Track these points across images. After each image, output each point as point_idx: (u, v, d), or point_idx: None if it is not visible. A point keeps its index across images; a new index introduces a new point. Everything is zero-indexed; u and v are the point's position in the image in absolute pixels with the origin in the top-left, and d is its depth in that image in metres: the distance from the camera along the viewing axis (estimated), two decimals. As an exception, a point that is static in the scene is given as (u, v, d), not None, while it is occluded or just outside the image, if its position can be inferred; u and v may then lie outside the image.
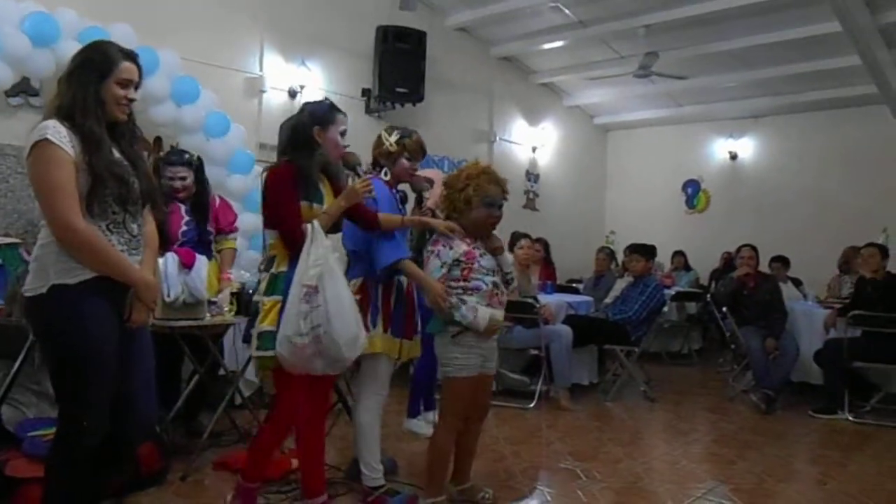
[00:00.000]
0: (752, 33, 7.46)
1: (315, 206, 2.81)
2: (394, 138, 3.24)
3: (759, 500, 3.50)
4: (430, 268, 2.98)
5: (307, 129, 2.83)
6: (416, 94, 7.22)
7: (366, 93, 7.18)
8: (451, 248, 2.98)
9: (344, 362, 2.74)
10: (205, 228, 4.02)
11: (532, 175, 9.71)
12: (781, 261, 7.73)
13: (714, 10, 6.97)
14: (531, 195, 9.67)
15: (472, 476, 3.33)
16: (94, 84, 2.17)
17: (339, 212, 2.85)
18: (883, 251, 5.64)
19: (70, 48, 3.83)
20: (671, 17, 7.24)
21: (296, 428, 2.86)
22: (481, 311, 2.93)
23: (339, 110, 2.93)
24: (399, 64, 7.09)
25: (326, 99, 2.98)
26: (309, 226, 2.68)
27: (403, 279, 3.19)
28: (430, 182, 4.29)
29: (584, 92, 9.96)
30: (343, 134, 2.91)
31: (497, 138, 9.09)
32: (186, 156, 4.05)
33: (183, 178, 3.94)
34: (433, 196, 4.13)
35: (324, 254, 2.65)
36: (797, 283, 7.77)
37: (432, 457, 3.07)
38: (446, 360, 3.00)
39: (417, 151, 3.28)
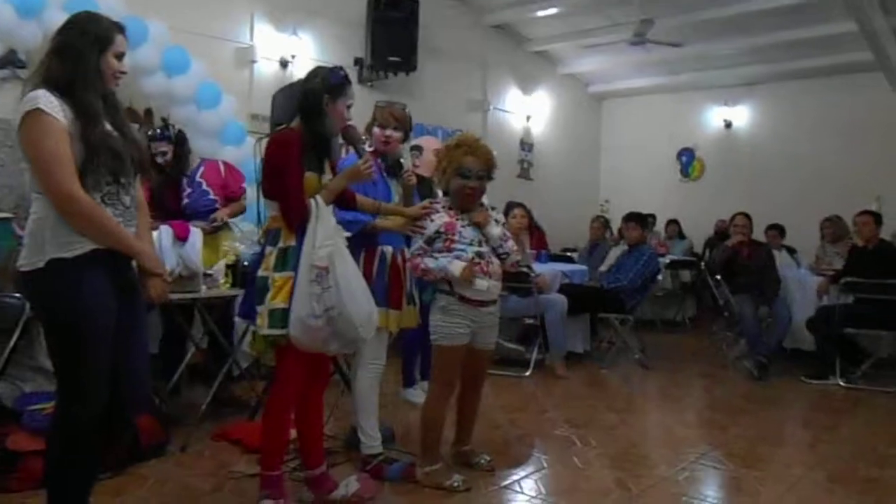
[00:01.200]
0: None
1: (323, 178, 2.74)
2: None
3: (751, 464, 3.55)
4: (413, 241, 3.09)
5: (319, 96, 2.70)
6: (408, 64, 7.15)
7: (358, 62, 7.11)
8: (432, 220, 3.05)
9: (360, 342, 2.73)
10: (173, 200, 4.11)
11: (526, 144, 9.67)
12: (777, 229, 7.75)
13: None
14: (525, 164, 9.65)
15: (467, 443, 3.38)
16: (94, 56, 2.16)
17: (340, 189, 2.79)
18: (877, 218, 5.66)
19: (57, 18, 3.77)
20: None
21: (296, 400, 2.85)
22: (455, 263, 2.98)
23: (349, 82, 2.83)
24: (391, 32, 7.01)
25: (341, 68, 2.83)
26: (312, 201, 2.61)
27: (387, 249, 3.19)
28: (419, 149, 4.29)
29: (579, 60, 9.88)
30: (349, 107, 2.82)
31: (491, 107, 9.04)
32: (166, 131, 4.17)
33: (164, 153, 4.08)
34: (423, 163, 4.14)
35: (333, 233, 2.61)
36: (791, 251, 7.81)
37: (423, 424, 3.14)
38: (433, 328, 3.07)
39: (387, 119, 3.26)
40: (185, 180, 4.13)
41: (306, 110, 2.72)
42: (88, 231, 2.12)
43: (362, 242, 3.09)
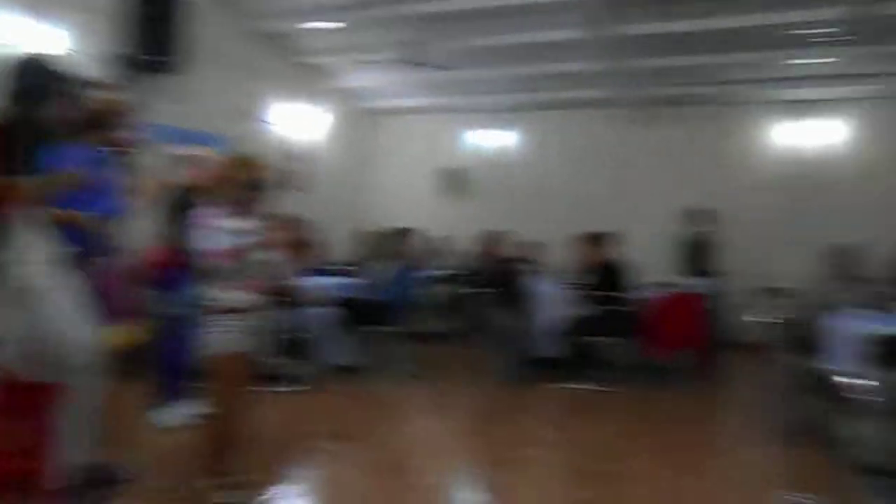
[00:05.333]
0: (513, 31, 7.93)
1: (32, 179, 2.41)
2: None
3: (512, 468, 3.77)
4: None
5: (40, 90, 2.40)
6: (172, 65, 6.69)
7: (115, 58, 6.52)
8: None
9: (74, 369, 2.43)
10: None
11: (298, 156, 9.51)
12: (539, 245, 8.39)
13: (480, 5, 7.30)
14: (296, 176, 9.47)
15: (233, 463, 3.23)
16: None
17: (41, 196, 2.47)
18: (601, 239, 6.31)
19: None
20: (440, 7, 7.45)
21: None
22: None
23: (86, 83, 2.57)
24: (153, 30, 6.52)
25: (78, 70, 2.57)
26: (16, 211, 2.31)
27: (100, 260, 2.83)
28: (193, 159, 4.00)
29: (353, 75, 9.95)
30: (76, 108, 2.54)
31: (261, 117, 8.78)
32: None
33: None
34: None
35: (42, 247, 2.31)
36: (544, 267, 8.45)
37: (213, 440, 3.09)
38: (209, 342, 3.01)
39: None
40: None
41: (27, 104, 2.39)
42: None
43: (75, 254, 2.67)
